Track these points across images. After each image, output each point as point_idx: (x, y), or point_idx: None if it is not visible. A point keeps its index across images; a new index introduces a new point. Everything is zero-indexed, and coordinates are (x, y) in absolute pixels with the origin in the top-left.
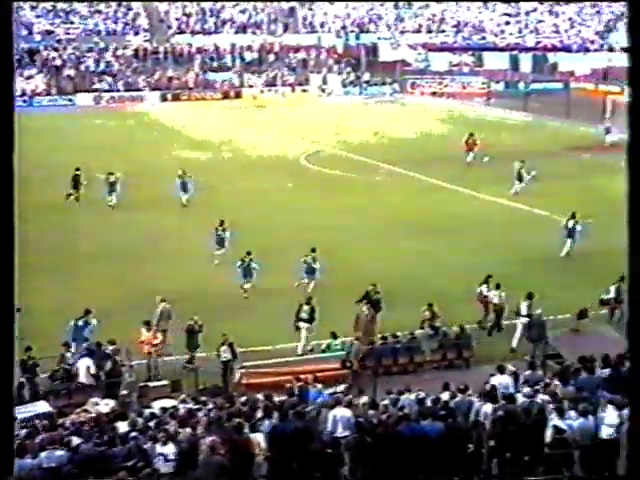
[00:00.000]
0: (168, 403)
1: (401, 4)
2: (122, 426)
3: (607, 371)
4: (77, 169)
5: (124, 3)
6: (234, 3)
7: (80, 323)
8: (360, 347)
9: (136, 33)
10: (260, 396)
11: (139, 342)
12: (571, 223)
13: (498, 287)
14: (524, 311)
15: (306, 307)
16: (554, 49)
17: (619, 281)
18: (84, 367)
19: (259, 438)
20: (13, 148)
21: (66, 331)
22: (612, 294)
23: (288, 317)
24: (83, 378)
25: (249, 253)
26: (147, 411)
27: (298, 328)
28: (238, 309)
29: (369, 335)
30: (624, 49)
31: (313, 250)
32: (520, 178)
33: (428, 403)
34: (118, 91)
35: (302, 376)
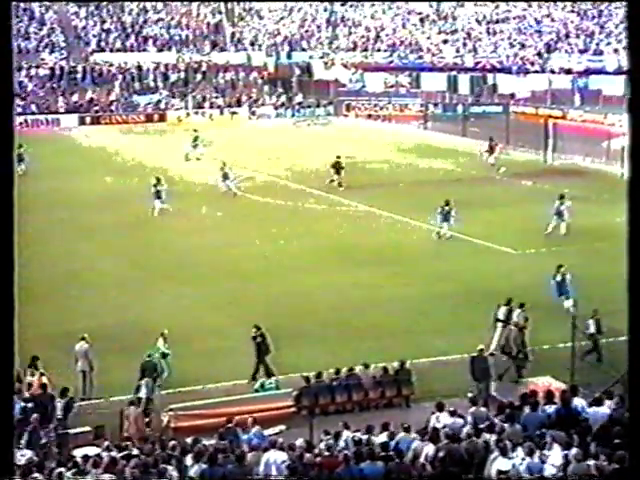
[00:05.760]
0: (91, 451)
1: (335, 20)
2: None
3: (552, 408)
4: (338, 156)
5: (37, 18)
6: (157, 17)
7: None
8: (518, 334)
9: (51, 51)
10: (189, 440)
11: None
12: None
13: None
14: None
15: (504, 308)
16: (493, 70)
17: (594, 315)
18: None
19: None
20: (13, 150)
21: None
22: (592, 328)
23: (220, 355)
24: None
25: (447, 203)
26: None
27: (495, 328)
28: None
29: None
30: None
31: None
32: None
33: (366, 444)
34: (32, 114)
35: (236, 418)
